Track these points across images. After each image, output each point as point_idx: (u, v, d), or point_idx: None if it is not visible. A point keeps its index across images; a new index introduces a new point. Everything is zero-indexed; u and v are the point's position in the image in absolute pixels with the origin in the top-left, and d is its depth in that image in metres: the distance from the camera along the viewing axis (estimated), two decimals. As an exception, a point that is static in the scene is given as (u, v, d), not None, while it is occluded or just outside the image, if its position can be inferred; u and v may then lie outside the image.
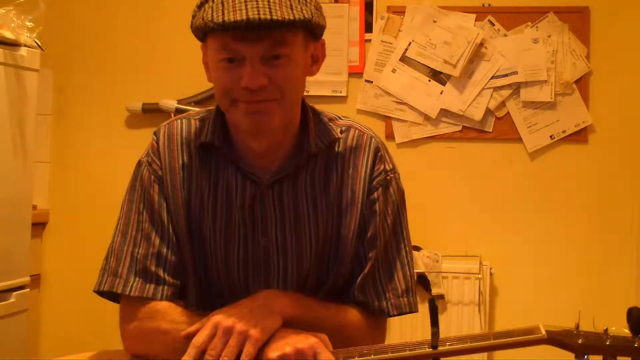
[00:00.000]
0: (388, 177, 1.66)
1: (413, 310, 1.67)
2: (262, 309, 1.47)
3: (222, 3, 1.43)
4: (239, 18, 1.39)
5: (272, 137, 1.57)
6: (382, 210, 1.64)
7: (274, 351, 1.39)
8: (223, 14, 1.41)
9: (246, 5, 1.41)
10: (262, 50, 1.46)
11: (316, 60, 1.61)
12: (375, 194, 1.63)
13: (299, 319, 1.50)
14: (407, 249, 1.69)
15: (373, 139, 1.68)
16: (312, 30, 1.53)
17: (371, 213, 1.63)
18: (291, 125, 1.60)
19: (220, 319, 1.44)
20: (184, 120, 1.67)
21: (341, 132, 1.66)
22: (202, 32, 1.49)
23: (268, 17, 1.40)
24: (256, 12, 1.40)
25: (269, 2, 1.42)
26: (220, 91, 1.54)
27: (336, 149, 1.65)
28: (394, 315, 1.66)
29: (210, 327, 1.43)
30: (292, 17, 1.42)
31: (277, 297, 1.52)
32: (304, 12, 1.45)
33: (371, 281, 1.63)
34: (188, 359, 1.41)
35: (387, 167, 1.67)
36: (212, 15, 1.42)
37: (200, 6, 1.49)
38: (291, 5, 1.44)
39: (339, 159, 1.64)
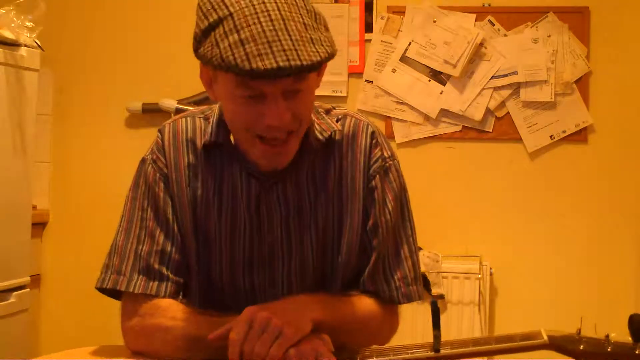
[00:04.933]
0: (387, 164, 1.65)
1: (421, 298, 1.66)
2: (295, 312, 1.46)
3: (242, 42, 1.35)
4: (268, 67, 1.32)
5: None
6: (382, 198, 1.63)
7: (275, 352, 1.39)
8: (249, 60, 1.33)
9: (271, 47, 1.34)
10: (285, 86, 1.41)
11: (320, 72, 1.57)
12: (374, 182, 1.63)
13: (327, 323, 1.50)
14: (414, 236, 1.69)
15: (369, 125, 1.67)
16: None
17: (371, 201, 1.63)
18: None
19: (256, 310, 1.42)
20: (188, 119, 1.67)
21: (337, 120, 1.66)
22: (220, 69, 1.41)
23: (298, 63, 1.34)
24: (284, 58, 1.33)
25: (291, 38, 1.36)
26: (237, 126, 1.52)
27: (334, 138, 1.64)
28: (404, 303, 1.66)
29: (247, 319, 1.41)
30: (318, 59, 1.37)
31: (309, 304, 1.51)
32: (325, 46, 1.40)
33: (381, 270, 1.63)
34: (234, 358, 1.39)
35: (385, 154, 1.66)
36: (236, 60, 1.34)
37: (206, 33, 1.41)
38: (312, 39, 1.39)
39: (337, 148, 1.64)
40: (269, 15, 1.37)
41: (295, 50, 1.35)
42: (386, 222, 1.63)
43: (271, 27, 1.36)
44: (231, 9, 1.39)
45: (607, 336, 1.29)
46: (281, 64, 1.33)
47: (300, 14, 1.41)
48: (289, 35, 1.36)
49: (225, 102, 1.51)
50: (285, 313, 1.44)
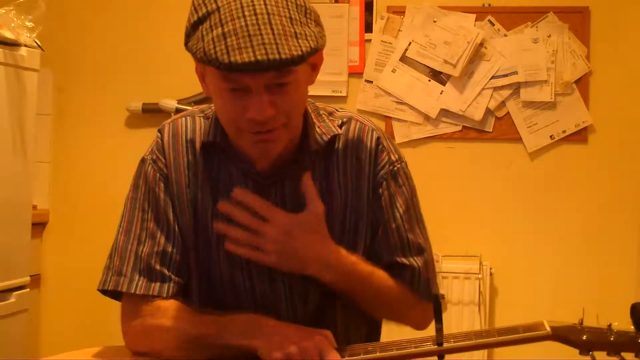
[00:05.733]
0: (395, 168, 1.65)
1: (436, 299, 1.67)
2: (304, 252, 1.50)
3: (224, 35, 1.36)
4: (246, 60, 1.33)
5: (276, 155, 1.57)
6: (391, 203, 1.63)
7: (278, 350, 1.39)
8: (228, 53, 1.34)
9: (251, 41, 1.34)
10: (267, 80, 1.41)
11: (315, 68, 1.57)
12: (380, 189, 1.63)
13: (343, 288, 1.55)
14: (426, 237, 1.70)
15: (374, 130, 1.66)
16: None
17: (379, 206, 1.62)
18: (294, 133, 1.59)
19: (279, 214, 1.49)
20: (188, 118, 1.66)
21: (342, 124, 1.65)
22: (203, 63, 1.42)
23: (277, 57, 1.34)
24: (263, 51, 1.33)
25: (273, 33, 1.36)
26: (225, 119, 1.52)
27: (337, 143, 1.63)
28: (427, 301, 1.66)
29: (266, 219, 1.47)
30: (299, 53, 1.36)
31: (326, 264, 1.53)
32: (309, 39, 1.40)
33: (397, 273, 1.63)
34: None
35: (392, 158, 1.65)
36: (216, 53, 1.35)
37: (194, 26, 1.43)
38: (295, 33, 1.39)
39: (341, 153, 1.63)
40: (254, 9, 1.37)
41: (276, 44, 1.35)
42: (397, 227, 1.63)
43: (254, 21, 1.36)
44: (219, 4, 1.40)
45: (610, 326, 1.28)
46: (259, 57, 1.33)
47: (288, 8, 1.41)
48: (272, 29, 1.36)
49: (213, 96, 1.52)
50: (298, 246, 1.50)
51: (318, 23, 1.48)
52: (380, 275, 1.61)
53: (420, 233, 1.69)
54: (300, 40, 1.38)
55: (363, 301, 1.59)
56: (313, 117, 1.63)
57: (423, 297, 1.64)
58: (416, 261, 1.64)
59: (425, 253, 1.67)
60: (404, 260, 1.63)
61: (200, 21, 1.41)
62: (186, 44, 1.45)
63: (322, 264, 1.53)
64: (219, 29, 1.37)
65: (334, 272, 1.54)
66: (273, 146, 1.51)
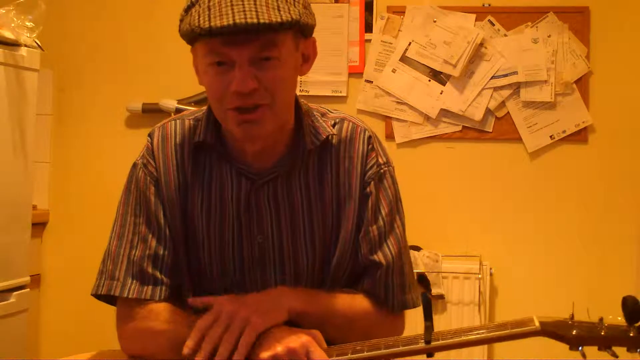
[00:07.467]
0: (382, 171, 1.65)
1: (417, 305, 1.66)
2: (269, 301, 1.48)
3: (209, 8, 1.42)
4: (225, 23, 1.38)
5: (266, 141, 1.57)
6: (376, 205, 1.63)
7: (265, 351, 1.39)
8: (209, 19, 1.40)
9: (232, 9, 1.39)
10: (250, 52, 1.44)
11: (307, 59, 1.60)
12: (368, 189, 1.63)
13: (309, 314, 1.51)
14: (405, 244, 1.68)
15: (366, 131, 1.68)
16: (301, 30, 1.52)
17: (365, 207, 1.63)
18: (285, 126, 1.60)
19: (225, 301, 1.46)
20: (177, 121, 1.68)
21: (334, 124, 1.66)
22: (190, 37, 1.48)
23: (255, 20, 1.38)
24: (243, 16, 1.38)
25: (255, 4, 1.41)
26: (211, 97, 1.53)
27: (330, 142, 1.64)
28: (399, 310, 1.66)
29: (215, 312, 1.45)
30: (279, 20, 1.41)
31: (286, 294, 1.52)
32: (292, 12, 1.44)
33: (376, 278, 1.62)
34: (192, 342, 1.42)
35: (380, 160, 1.66)
36: (199, 21, 1.41)
37: (187, 10, 1.49)
38: (278, 6, 1.43)
39: (334, 152, 1.64)
40: None
41: (256, 11, 1.40)
42: (378, 229, 1.63)
43: None
44: None
45: (601, 320, 1.28)
46: (237, 20, 1.38)
47: None
48: (254, 2, 1.41)
49: (204, 78, 1.54)
50: (258, 304, 1.47)
51: (305, 6, 1.51)
52: (346, 294, 1.61)
53: (400, 237, 1.67)
54: (281, 12, 1.42)
55: (333, 323, 1.56)
56: (306, 117, 1.64)
57: (395, 302, 1.63)
58: (391, 262, 1.63)
59: (402, 257, 1.66)
60: (381, 259, 1.62)
61: (192, 4, 1.48)
62: (179, 29, 1.51)
63: (285, 292, 1.53)
64: (205, 4, 1.43)
65: (299, 293, 1.54)
66: (257, 128, 1.51)
